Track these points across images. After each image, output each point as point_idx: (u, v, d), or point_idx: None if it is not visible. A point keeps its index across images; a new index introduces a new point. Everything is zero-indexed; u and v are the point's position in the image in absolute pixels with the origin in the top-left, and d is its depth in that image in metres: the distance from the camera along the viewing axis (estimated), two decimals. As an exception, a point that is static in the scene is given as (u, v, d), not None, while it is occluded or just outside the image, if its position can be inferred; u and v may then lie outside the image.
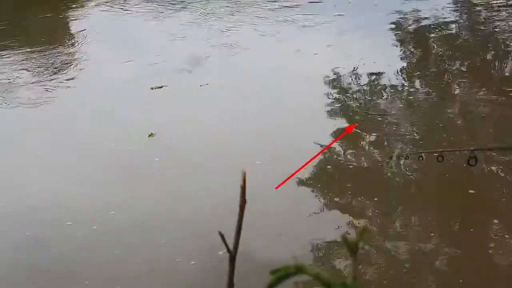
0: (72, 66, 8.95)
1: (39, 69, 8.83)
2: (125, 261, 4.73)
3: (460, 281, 4.45)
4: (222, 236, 0.88)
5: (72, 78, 8.49)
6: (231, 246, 0.95)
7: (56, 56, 9.35)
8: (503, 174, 5.58)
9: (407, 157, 4.64)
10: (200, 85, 7.92)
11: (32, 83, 8.35)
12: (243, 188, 0.92)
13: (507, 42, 9.29)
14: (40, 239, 5.07)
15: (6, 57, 9.32)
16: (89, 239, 5.02)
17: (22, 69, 8.86)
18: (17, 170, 6.25)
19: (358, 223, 4.97)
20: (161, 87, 7.90)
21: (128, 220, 5.25)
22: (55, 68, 8.87)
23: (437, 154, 3.64)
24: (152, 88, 7.85)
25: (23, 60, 9.18)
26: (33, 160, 6.37)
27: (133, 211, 5.37)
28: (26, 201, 5.64)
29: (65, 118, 7.30)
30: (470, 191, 5.34)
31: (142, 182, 5.79)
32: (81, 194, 5.65)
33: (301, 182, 5.65)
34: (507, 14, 10.29)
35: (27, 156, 6.46)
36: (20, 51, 9.56)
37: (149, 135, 6.66)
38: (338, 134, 6.51)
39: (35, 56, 9.33)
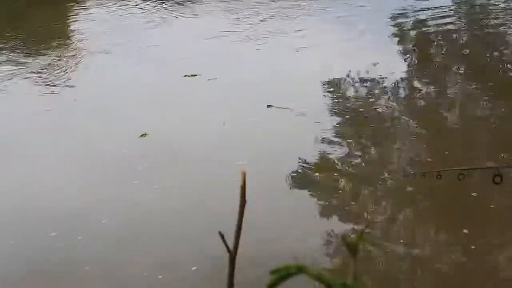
0: (73, 65, 8.96)
1: (40, 67, 8.83)
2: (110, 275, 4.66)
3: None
4: (222, 236, 0.91)
5: (73, 77, 8.51)
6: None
7: (58, 53, 9.36)
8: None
9: (423, 175, 4.59)
10: (208, 79, 7.99)
11: (34, 81, 8.35)
12: (243, 188, 0.94)
13: (507, 39, 9.34)
14: (20, 252, 4.91)
15: (5, 56, 9.32)
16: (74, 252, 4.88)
17: (22, 67, 8.86)
18: (3, 171, 6.22)
19: (358, 225, 5.00)
20: (195, 75, 8.08)
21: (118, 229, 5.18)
22: (56, 66, 8.88)
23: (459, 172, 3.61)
24: (185, 76, 8.09)
25: (23, 58, 9.18)
26: (24, 161, 6.35)
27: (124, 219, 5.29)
28: (10, 205, 5.57)
29: (63, 118, 7.26)
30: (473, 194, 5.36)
31: (133, 187, 5.73)
32: (70, 199, 5.59)
33: (300, 184, 5.69)
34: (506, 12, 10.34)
35: (17, 157, 6.45)
36: (21, 49, 9.56)
37: (141, 135, 6.66)
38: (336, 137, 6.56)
39: (36, 53, 9.34)
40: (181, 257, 4.70)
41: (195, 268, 4.52)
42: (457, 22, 10.16)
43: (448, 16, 10.30)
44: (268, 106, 7.13)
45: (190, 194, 5.57)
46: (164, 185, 5.71)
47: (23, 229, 5.22)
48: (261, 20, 10.39)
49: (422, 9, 10.54)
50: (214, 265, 4.41)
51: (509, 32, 9.68)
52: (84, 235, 5.03)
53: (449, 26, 9.89)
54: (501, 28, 9.76)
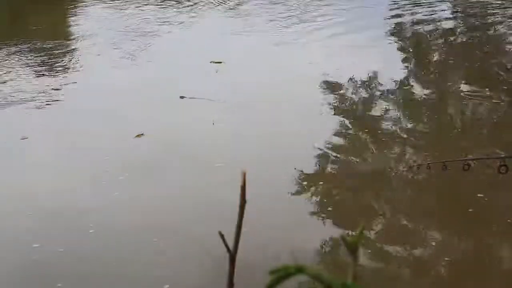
0: (73, 65, 8.97)
1: (41, 66, 8.83)
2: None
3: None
4: (222, 236, 0.92)
5: (73, 75, 8.52)
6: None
7: (59, 54, 9.37)
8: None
9: (428, 167, 4.59)
10: (216, 71, 8.24)
11: (35, 81, 8.35)
12: (243, 188, 0.96)
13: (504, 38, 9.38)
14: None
15: (6, 56, 9.31)
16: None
17: (22, 67, 8.86)
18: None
19: (358, 225, 5.00)
20: (220, 62, 8.45)
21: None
22: (57, 66, 8.89)
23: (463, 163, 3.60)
24: (211, 62, 8.45)
25: (23, 58, 9.17)
26: (11, 163, 6.31)
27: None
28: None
29: (60, 121, 7.25)
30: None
31: (122, 194, 5.65)
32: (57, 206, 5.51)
33: (301, 185, 5.70)
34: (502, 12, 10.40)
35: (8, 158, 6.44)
36: (20, 46, 9.56)
37: (137, 135, 6.64)
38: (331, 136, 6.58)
39: (36, 54, 9.34)
40: (160, 273, 4.59)
41: (167, 286, 4.46)
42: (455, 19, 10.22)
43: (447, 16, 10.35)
44: (181, 97, 7.28)
45: (183, 198, 5.56)
46: (156, 191, 5.65)
47: (5, 240, 5.10)
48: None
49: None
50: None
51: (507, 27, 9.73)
52: (66, 247, 4.89)
53: (448, 24, 9.95)
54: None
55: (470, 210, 5.23)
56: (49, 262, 4.77)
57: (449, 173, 4.36)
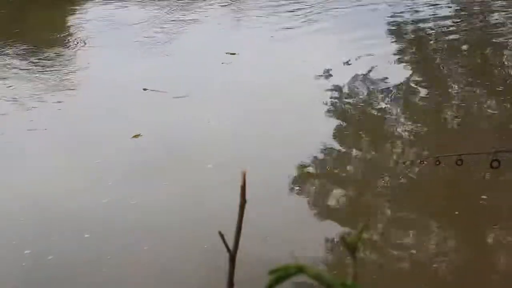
0: (75, 66, 8.96)
1: (41, 67, 8.84)
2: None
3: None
4: (222, 236, 0.93)
5: (73, 75, 8.52)
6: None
7: (59, 55, 9.36)
8: None
9: (422, 162, 4.61)
10: (222, 63, 8.37)
11: (34, 81, 8.35)
12: (243, 188, 0.96)
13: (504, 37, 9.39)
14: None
15: (7, 58, 9.30)
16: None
17: (22, 68, 8.86)
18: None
19: (359, 224, 5.02)
20: (234, 53, 8.65)
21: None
22: (57, 66, 8.89)
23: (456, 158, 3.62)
24: (226, 53, 8.63)
25: (23, 60, 9.18)
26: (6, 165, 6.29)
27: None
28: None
29: (61, 120, 7.24)
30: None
31: (115, 198, 5.58)
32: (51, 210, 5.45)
33: (301, 185, 5.71)
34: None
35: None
36: (21, 49, 9.56)
37: (134, 136, 6.62)
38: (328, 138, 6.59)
39: (36, 55, 9.34)
40: (160, 274, 4.56)
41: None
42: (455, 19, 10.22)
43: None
44: (144, 89, 7.55)
45: (183, 198, 5.56)
46: (154, 191, 5.62)
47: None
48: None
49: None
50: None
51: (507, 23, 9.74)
52: (57, 253, 4.82)
53: (449, 22, 9.95)
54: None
55: (466, 207, 5.24)
56: (42, 266, 4.72)
57: (443, 168, 4.36)
